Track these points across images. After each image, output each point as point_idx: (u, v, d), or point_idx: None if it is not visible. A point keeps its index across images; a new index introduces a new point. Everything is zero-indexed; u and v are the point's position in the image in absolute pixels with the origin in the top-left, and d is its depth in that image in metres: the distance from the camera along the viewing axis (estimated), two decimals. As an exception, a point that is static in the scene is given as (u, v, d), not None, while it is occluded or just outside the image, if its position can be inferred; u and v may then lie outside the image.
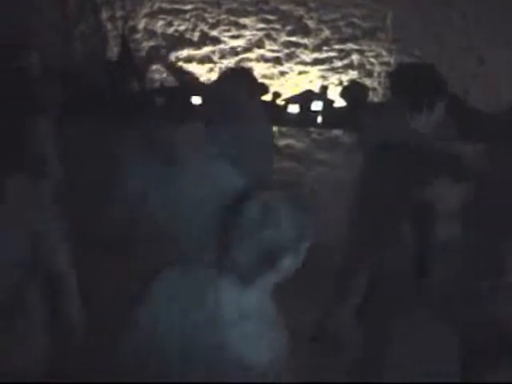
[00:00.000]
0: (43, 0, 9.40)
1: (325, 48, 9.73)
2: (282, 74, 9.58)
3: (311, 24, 9.73)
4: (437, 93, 3.90)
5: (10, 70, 4.30)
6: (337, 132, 8.80)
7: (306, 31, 9.74)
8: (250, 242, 1.77)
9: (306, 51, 9.72)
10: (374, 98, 9.42)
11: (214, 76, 9.54)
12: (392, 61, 9.64)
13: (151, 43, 9.86)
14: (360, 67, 9.76)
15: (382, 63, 9.76)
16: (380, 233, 3.86)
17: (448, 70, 4.10)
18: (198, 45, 9.81)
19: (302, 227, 1.85)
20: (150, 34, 9.86)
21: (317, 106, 9.14)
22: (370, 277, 4.11)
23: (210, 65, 9.77)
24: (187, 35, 9.82)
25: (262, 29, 9.72)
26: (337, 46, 9.76)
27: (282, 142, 8.33)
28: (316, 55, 9.71)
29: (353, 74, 9.72)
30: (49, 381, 2.46)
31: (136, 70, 9.37)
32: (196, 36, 9.82)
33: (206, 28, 9.80)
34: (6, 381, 2.37)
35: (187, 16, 9.79)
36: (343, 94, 9.16)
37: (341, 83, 9.61)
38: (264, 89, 4.64)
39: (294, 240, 1.85)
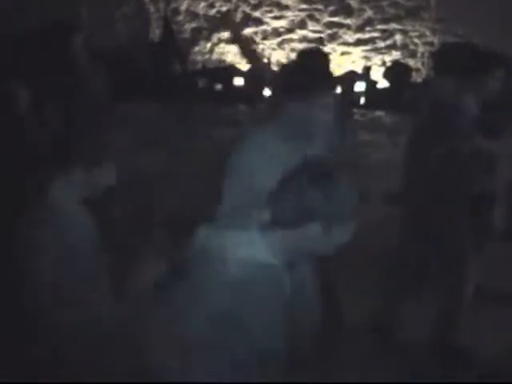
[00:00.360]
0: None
1: (368, 28, 9.67)
2: (325, 54, 9.53)
3: (354, 4, 9.67)
4: (494, 67, 3.85)
5: (55, 52, 4.37)
6: (380, 113, 8.76)
7: (348, 11, 9.69)
8: (295, 205, 1.84)
9: (349, 32, 9.67)
10: (418, 78, 9.33)
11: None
12: (436, 41, 9.53)
13: (193, 25, 9.90)
14: (403, 47, 9.68)
15: (426, 43, 9.66)
16: (430, 217, 3.81)
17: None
18: (240, 26, 9.82)
19: (350, 206, 1.89)
20: (192, 15, 9.90)
21: (360, 86, 9.12)
22: (422, 261, 4.04)
23: (253, 46, 9.78)
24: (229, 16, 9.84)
25: (304, 9, 9.69)
26: (380, 26, 9.69)
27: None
28: (359, 36, 9.65)
29: (396, 55, 9.65)
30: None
31: (178, 51, 9.42)
32: (238, 17, 9.82)
33: (248, 9, 9.79)
34: (5, 381, 2.40)
35: (229, -3, 9.81)
36: (386, 75, 9.12)
37: (384, 64, 9.55)
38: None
39: (344, 214, 1.89)
